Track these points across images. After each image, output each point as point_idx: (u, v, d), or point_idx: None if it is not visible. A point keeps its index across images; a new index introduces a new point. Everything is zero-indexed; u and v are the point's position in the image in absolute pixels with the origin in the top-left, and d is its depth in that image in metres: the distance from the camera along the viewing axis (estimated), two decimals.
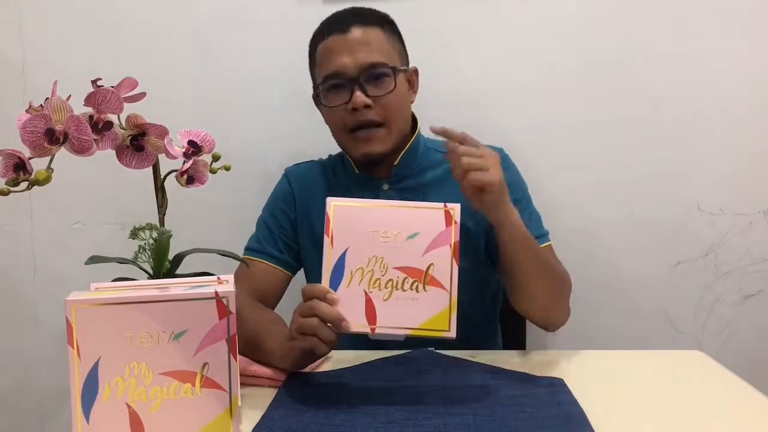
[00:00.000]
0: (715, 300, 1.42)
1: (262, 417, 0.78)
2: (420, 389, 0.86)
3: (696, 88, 1.38)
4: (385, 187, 1.14)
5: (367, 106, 1.06)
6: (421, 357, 0.98)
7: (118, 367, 0.67)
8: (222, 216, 1.46)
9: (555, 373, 0.92)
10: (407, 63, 1.14)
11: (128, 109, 0.85)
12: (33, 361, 1.52)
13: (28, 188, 0.77)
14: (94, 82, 0.84)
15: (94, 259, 0.88)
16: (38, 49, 1.45)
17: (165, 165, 0.89)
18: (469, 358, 0.98)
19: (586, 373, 0.95)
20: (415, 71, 1.16)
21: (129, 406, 0.68)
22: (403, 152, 1.13)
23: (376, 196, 1.12)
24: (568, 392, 0.84)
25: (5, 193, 0.76)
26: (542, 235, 1.11)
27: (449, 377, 0.92)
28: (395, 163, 1.13)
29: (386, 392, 0.85)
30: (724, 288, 1.42)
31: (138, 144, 0.86)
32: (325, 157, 1.25)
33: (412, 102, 1.16)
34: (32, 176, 0.77)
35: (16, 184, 0.77)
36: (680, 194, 1.40)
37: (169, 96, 1.37)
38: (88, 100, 0.81)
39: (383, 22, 1.12)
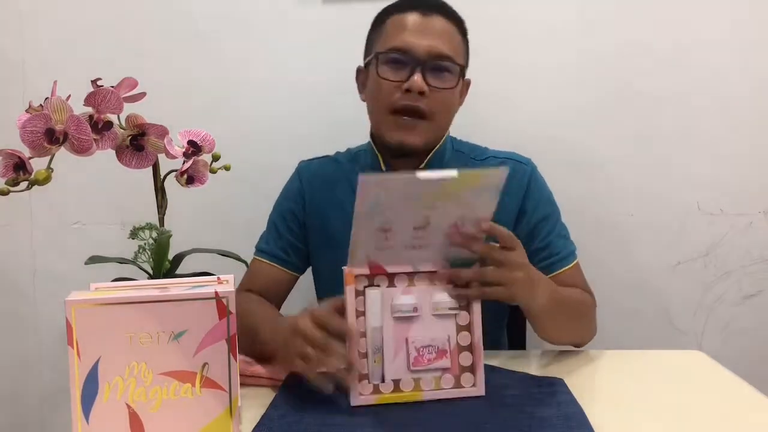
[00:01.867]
0: (715, 300, 1.42)
1: (262, 417, 0.78)
2: None
3: (696, 88, 1.38)
4: None
5: (422, 93, 1.01)
6: None
7: (118, 367, 0.67)
8: (222, 216, 1.45)
9: (555, 373, 0.91)
10: (466, 71, 1.11)
11: (128, 109, 0.85)
12: (33, 361, 1.52)
13: (28, 188, 0.77)
14: (94, 82, 0.84)
15: (94, 259, 0.88)
16: (38, 49, 1.44)
17: (165, 165, 0.89)
18: None
19: (586, 373, 0.95)
20: (468, 83, 1.12)
21: (129, 406, 0.67)
22: (429, 156, 1.09)
23: None
24: (568, 392, 0.84)
25: (5, 193, 0.76)
26: (568, 255, 1.08)
27: None
28: (421, 166, 1.09)
29: None
30: (724, 288, 1.42)
31: (138, 144, 0.86)
32: (334, 152, 1.21)
33: (456, 111, 1.11)
34: (32, 176, 0.77)
35: (16, 183, 0.77)
36: (680, 194, 1.40)
37: (169, 96, 1.37)
38: (88, 100, 0.81)
39: (462, 26, 1.09)
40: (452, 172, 0.74)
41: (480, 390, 0.81)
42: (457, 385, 0.82)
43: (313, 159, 1.21)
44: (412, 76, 1.01)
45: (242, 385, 0.75)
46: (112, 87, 0.83)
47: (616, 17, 1.38)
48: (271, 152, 1.43)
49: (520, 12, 1.39)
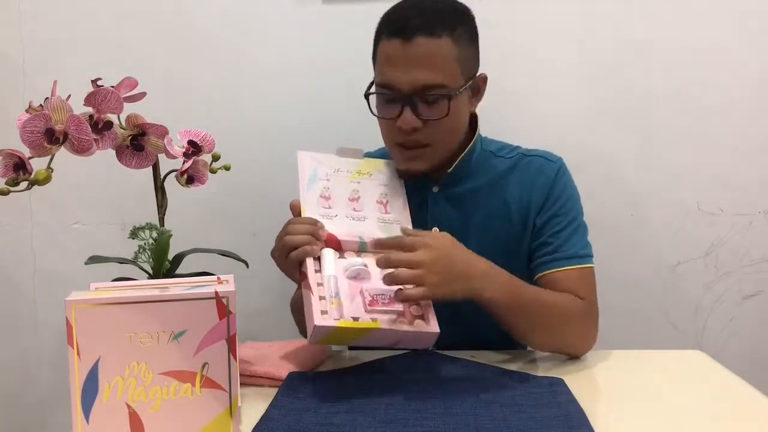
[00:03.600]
0: (715, 300, 1.42)
1: (262, 417, 0.78)
2: (420, 389, 0.86)
3: (696, 88, 1.38)
4: (435, 189, 1.09)
5: (416, 128, 0.99)
6: (421, 357, 0.98)
7: (118, 367, 0.67)
8: (222, 216, 1.45)
9: (555, 373, 0.91)
10: (476, 69, 1.05)
11: (128, 109, 0.85)
12: (33, 361, 1.52)
13: (28, 188, 0.77)
14: (94, 82, 0.84)
15: (94, 259, 0.89)
16: (38, 49, 1.45)
17: (165, 165, 0.89)
18: (469, 358, 0.98)
19: (586, 373, 0.95)
20: (483, 79, 1.07)
21: (129, 406, 0.68)
22: (459, 159, 1.08)
23: (425, 198, 1.09)
24: (568, 392, 0.84)
25: (5, 193, 0.76)
26: (573, 257, 1.05)
27: (449, 377, 0.92)
28: (449, 170, 1.08)
29: (386, 392, 0.85)
30: (724, 288, 1.42)
31: (138, 144, 0.86)
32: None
33: (473, 110, 1.08)
34: (32, 176, 0.77)
35: (16, 183, 0.77)
36: (680, 194, 1.40)
37: (169, 96, 1.37)
38: (88, 100, 0.81)
39: (456, 25, 0.99)
40: (360, 156, 1.05)
41: (434, 328, 0.86)
42: (411, 324, 0.86)
43: None
44: (402, 113, 0.98)
45: (242, 385, 0.75)
46: (112, 87, 0.83)
47: (617, 17, 1.38)
48: (271, 152, 1.43)
49: (518, 8, 1.39)
